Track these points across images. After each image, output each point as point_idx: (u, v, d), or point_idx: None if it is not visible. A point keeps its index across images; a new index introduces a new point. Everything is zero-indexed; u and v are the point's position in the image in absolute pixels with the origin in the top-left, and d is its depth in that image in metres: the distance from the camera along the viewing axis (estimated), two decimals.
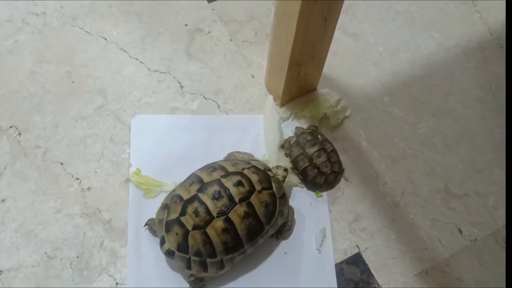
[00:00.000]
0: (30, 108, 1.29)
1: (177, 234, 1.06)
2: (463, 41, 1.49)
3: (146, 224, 1.14)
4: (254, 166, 1.12)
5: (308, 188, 1.24)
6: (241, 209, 1.06)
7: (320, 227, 1.19)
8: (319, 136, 1.26)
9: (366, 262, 1.18)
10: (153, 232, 1.13)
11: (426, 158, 1.31)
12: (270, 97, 1.33)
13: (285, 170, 1.18)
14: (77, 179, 1.21)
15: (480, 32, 1.51)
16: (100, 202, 1.19)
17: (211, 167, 1.12)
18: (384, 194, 1.26)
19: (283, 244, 1.18)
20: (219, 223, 1.04)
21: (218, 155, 1.22)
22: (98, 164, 1.24)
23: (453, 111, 1.38)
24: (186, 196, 1.07)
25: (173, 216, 1.07)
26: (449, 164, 1.31)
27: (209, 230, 1.04)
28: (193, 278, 1.09)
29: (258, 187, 1.08)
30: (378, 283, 1.16)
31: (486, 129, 1.37)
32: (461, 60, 1.46)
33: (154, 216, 1.13)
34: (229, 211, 1.05)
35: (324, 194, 1.24)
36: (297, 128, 1.29)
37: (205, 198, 1.05)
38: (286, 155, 1.26)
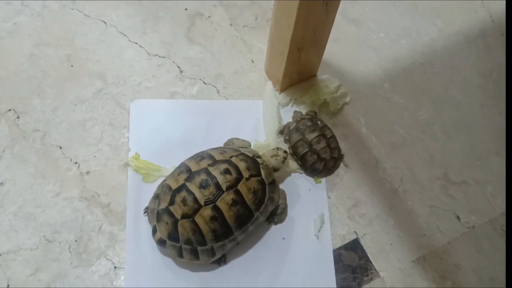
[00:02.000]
0: (29, 91, 1.28)
1: (167, 223, 1.07)
2: (465, 28, 1.48)
3: (145, 212, 1.15)
4: (242, 154, 1.12)
5: (307, 174, 1.24)
6: (228, 196, 1.06)
7: (319, 213, 1.20)
8: (318, 122, 1.26)
9: (364, 248, 1.19)
10: None
11: (425, 145, 1.31)
12: (270, 83, 1.32)
13: (285, 151, 1.18)
14: (76, 162, 1.21)
15: (482, 19, 1.50)
16: (99, 186, 1.19)
17: (199, 156, 1.12)
18: (383, 181, 1.26)
19: (281, 230, 1.18)
20: (207, 211, 1.05)
21: (217, 140, 1.21)
22: (97, 148, 1.23)
23: (454, 99, 1.38)
24: (174, 186, 1.08)
25: (163, 205, 1.08)
26: (449, 152, 1.31)
27: (198, 219, 1.05)
28: None
29: (246, 174, 1.08)
30: (375, 269, 1.17)
31: (486, 117, 1.36)
32: (463, 48, 1.46)
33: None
34: (217, 199, 1.05)
35: (323, 180, 1.24)
36: (295, 112, 1.29)
37: (193, 187, 1.06)
38: (286, 140, 1.26)
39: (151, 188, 1.15)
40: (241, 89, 1.34)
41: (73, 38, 1.36)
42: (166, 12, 1.42)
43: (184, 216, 1.05)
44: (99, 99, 1.29)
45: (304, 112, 1.29)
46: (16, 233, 1.13)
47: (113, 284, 1.10)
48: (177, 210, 1.05)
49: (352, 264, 1.17)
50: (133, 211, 1.16)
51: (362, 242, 1.19)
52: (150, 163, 1.21)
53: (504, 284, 1.16)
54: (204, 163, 1.09)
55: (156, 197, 1.12)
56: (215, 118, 1.29)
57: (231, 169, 1.08)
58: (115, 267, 1.12)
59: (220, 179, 1.06)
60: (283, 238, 1.17)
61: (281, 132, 1.27)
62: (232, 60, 1.38)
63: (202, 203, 1.05)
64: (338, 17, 1.16)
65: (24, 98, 1.27)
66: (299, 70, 1.28)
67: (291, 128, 1.25)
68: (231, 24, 1.42)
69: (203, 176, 1.07)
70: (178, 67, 1.35)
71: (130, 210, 1.16)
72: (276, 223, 1.17)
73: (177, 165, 1.15)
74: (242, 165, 1.09)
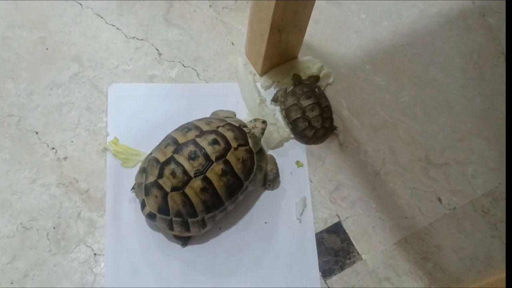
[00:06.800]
0: (3, 75, 1.24)
1: (156, 197, 1.05)
2: (446, 9, 1.48)
3: (133, 188, 1.13)
4: (229, 124, 1.11)
5: (297, 139, 1.25)
6: (218, 167, 1.05)
7: (301, 196, 1.19)
8: (316, 90, 1.25)
9: (346, 231, 1.18)
10: None
11: (407, 127, 1.31)
12: (240, 59, 1.31)
13: (263, 122, 1.17)
14: (53, 148, 1.18)
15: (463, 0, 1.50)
16: (77, 172, 1.17)
17: (186, 128, 1.11)
18: (364, 163, 1.26)
19: (264, 214, 1.17)
20: (197, 183, 1.04)
21: None
22: (75, 133, 1.21)
23: (435, 80, 1.38)
24: (162, 159, 1.06)
25: (151, 179, 1.06)
26: (430, 133, 1.31)
27: (188, 190, 1.04)
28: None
29: (234, 144, 1.08)
30: (358, 252, 1.17)
31: (467, 98, 1.36)
32: (443, 29, 1.45)
33: (132, 184, 1.12)
34: (206, 170, 1.04)
35: (305, 163, 1.23)
36: (295, 75, 1.28)
37: (181, 159, 1.04)
38: (280, 102, 1.26)
39: (131, 173, 1.14)
40: (221, 72, 1.32)
41: (48, 20, 1.32)
42: None
43: (174, 189, 1.04)
44: (76, 83, 1.26)
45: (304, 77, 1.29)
46: None
47: (93, 271, 1.09)
48: (167, 183, 1.04)
49: (335, 247, 1.17)
50: (112, 196, 1.14)
51: (344, 225, 1.19)
52: (129, 147, 1.19)
53: (484, 264, 1.18)
54: (191, 134, 1.08)
55: (143, 171, 1.10)
56: (195, 101, 1.27)
57: (219, 139, 1.07)
58: (94, 254, 1.10)
59: (209, 149, 1.05)
60: (266, 222, 1.16)
61: (274, 100, 1.28)
62: (211, 42, 1.35)
63: (192, 175, 1.04)
64: None
65: None
66: (280, 52, 1.26)
67: (287, 91, 1.25)
68: (210, 6, 1.40)
69: (191, 148, 1.05)
70: (157, 49, 1.32)
71: (110, 195, 1.14)
72: (271, 189, 1.19)
73: None
74: (229, 135, 1.08)
